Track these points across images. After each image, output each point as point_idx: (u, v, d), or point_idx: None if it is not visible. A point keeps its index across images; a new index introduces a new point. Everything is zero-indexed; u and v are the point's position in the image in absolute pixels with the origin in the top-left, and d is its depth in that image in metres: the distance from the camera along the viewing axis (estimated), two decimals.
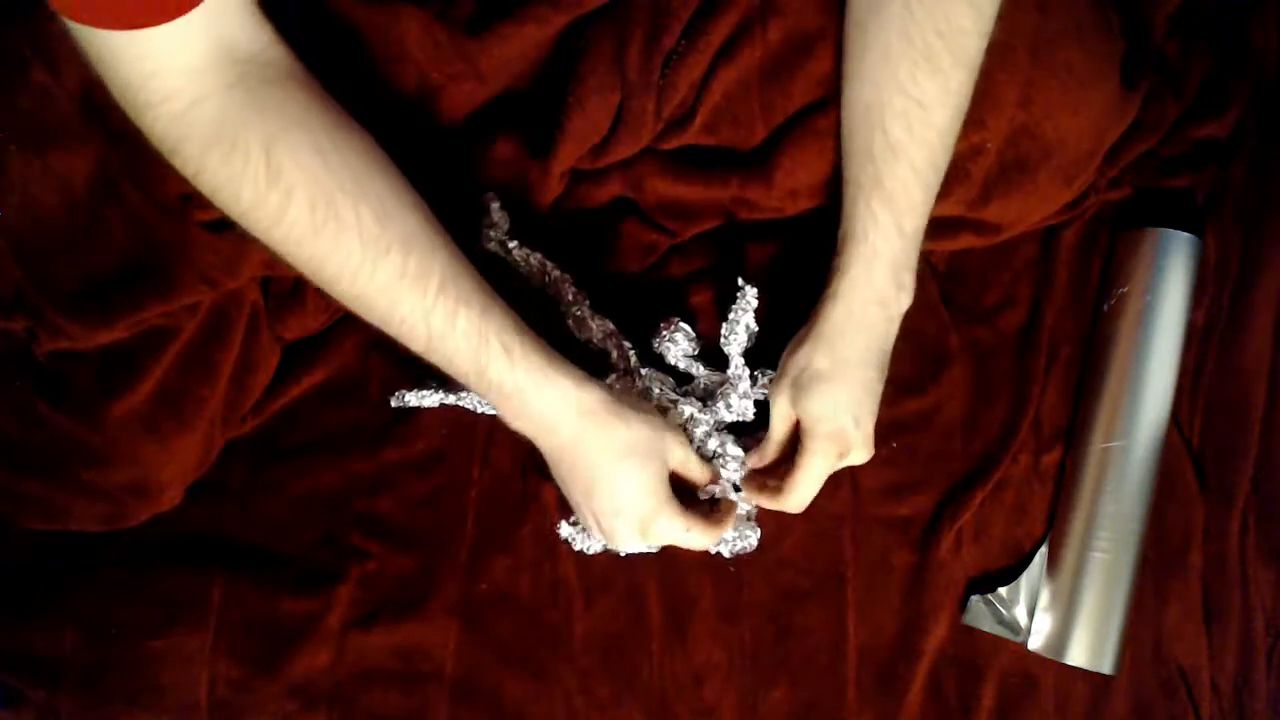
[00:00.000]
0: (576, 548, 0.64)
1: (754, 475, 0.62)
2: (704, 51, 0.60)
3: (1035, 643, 0.65)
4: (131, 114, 0.47)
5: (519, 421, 0.56)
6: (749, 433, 0.64)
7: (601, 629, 0.66)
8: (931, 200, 0.57)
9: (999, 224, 0.66)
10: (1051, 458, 0.68)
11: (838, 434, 0.56)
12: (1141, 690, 0.66)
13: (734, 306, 0.60)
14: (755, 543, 0.64)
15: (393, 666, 0.65)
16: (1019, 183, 0.63)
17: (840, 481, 0.66)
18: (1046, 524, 0.67)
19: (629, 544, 0.57)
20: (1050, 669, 0.66)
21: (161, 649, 0.64)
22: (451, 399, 0.65)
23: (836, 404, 0.56)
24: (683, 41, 0.59)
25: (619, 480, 0.55)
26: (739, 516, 0.64)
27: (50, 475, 0.63)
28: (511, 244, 0.63)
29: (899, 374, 0.65)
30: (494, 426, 0.67)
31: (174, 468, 0.64)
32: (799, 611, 0.66)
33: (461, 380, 0.55)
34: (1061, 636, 0.64)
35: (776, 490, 0.60)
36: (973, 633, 0.66)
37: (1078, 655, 0.64)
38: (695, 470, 0.60)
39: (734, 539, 0.64)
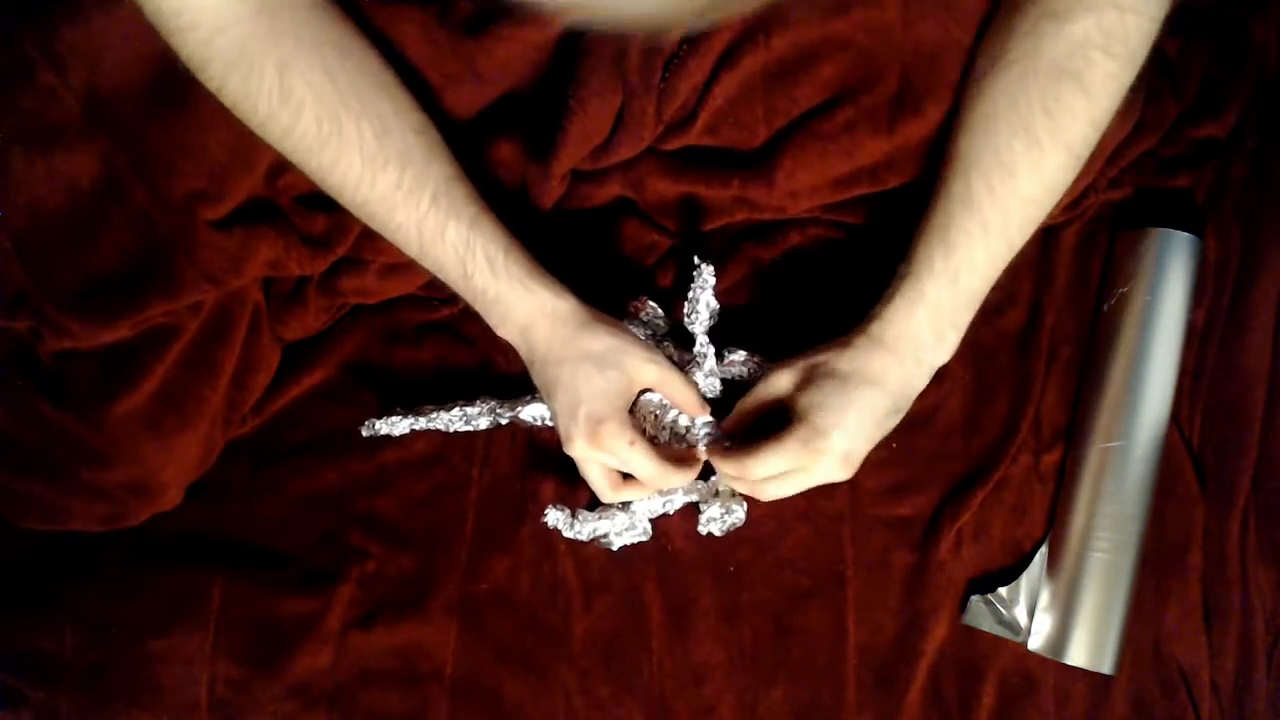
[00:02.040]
0: (566, 534, 0.63)
1: (721, 439, 0.62)
2: (705, 56, 0.59)
3: (1035, 643, 0.65)
4: (164, 35, 0.52)
5: (502, 328, 0.60)
6: (718, 410, 0.63)
7: (601, 629, 0.66)
8: (997, 267, 0.57)
9: None
10: (1051, 458, 0.68)
11: (821, 432, 0.55)
12: (1141, 690, 0.66)
13: (692, 285, 0.60)
14: (743, 516, 0.64)
15: (392, 666, 0.65)
16: None
17: (840, 482, 0.66)
18: (1046, 524, 0.67)
19: (581, 451, 0.58)
20: (1050, 669, 0.66)
21: (161, 649, 0.65)
22: (422, 423, 0.65)
23: (833, 407, 0.56)
24: (684, 45, 0.59)
25: (579, 379, 0.57)
26: (724, 492, 0.64)
27: (51, 475, 0.63)
28: (666, 343, 0.65)
29: None
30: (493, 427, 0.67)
31: (175, 467, 0.64)
32: (799, 611, 0.66)
33: (451, 286, 0.59)
34: (1061, 636, 0.64)
35: (732, 454, 0.59)
36: (973, 633, 0.66)
37: (1078, 655, 0.64)
38: (679, 389, 0.60)
39: (721, 515, 0.64)
